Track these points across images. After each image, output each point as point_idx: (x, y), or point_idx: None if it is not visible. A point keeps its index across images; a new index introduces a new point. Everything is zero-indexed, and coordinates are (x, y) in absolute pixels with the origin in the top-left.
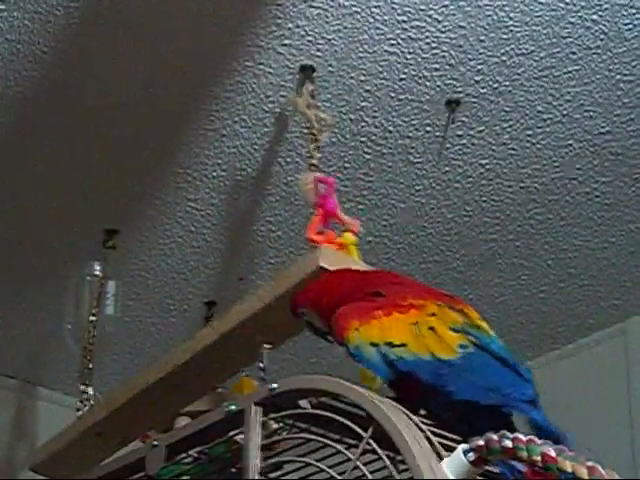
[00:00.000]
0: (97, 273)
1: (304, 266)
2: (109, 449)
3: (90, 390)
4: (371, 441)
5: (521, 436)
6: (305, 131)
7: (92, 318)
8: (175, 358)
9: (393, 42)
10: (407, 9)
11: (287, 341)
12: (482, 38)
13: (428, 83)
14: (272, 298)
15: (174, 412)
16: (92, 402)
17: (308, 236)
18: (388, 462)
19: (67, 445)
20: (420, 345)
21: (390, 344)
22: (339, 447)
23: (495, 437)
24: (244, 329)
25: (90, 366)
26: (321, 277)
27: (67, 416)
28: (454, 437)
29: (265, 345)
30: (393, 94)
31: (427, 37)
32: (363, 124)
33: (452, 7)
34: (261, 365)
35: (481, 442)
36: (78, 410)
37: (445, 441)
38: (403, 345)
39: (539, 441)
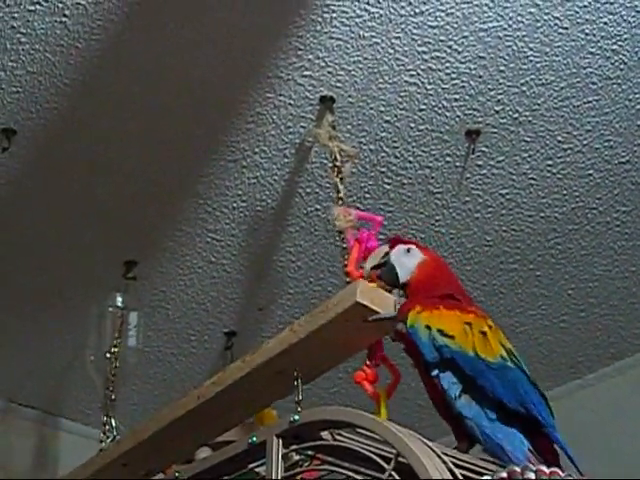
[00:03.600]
0: (119, 304)
1: (341, 302)
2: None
3: (113, 421)
4: (394, 473)
5: (544, 468)
6: (327, 163)
7: (114, 349)
8: (204, 391)
9: (413, 73)
10: (427, 40)
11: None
12: (502, 68)
13: (448, 113)
14: (307, 333)
15: (200, 445)
16: (115, 433)
17: (349, 270)
18: None
19: (92, 475)
20: (467, 341)
21: (441, 331)
22: (361, 479)
23: (518, 469)
24: (276, 363)
25: (113, 397)
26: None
27: (88, 447)
28: (476, 469)
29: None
30: (413, 124)
31: (447, 68)
32: (383, 154)
33: (472, 38)
34: (297, 398)
35: (504, 474)
36: (101, 442)
37: (467, 472)
38: (452, 337)
39: (562, 473)
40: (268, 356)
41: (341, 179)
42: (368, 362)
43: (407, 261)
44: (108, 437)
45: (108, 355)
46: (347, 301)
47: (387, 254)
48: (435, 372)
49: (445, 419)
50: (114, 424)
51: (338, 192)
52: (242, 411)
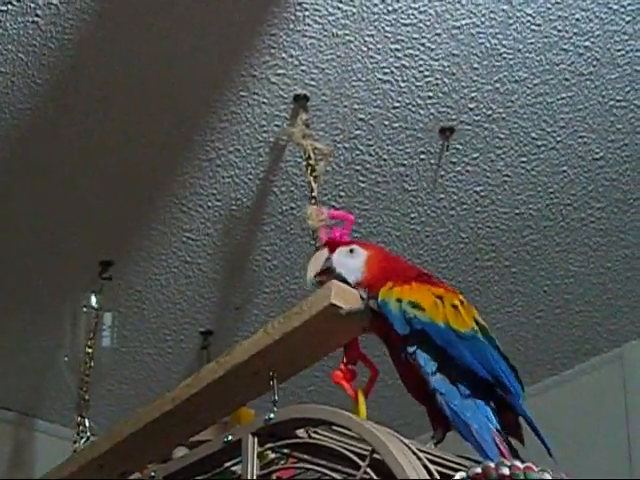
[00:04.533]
0: (93, 305)
1: (316, 303)
2: None
3: (86, 422)
4: (369, 470)
5: (518, 463)
6: (301, 161)
7: (88, 350)
8: (180, 393)
9: (386, 71)
10: (400, 37)
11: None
12: (475, 66)
13: (422, 111)
14: (281, 334)
15: (177, 445)
16: (88, 434)
17: None
18: None
19: (68, 476)
20: (438, 313)
21: (412, 303)
22: (336, 476)
23: (492, 465)
24: (251, 364)
25: (86, 397)
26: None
27: (64, 448)
28: (451, 465)
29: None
30: (387, 122)
31: (420, 65)
32: (357, 152)
33: (445, 35)
34: (273, 398)
35: (478, 470)
36: (75, 442)
37: (442, 469)
38: (422, 309)
39: (536, 468)
40: (242, 358)
41: (315, 177)
42: (345, 361)
43: (352, 262)
44: (82, 437)
45: (82, 355)
46: (321, 302)
47: (328, 259)
48: (412, 349)
49: (419, 400)
50: (87, 424)
51: (312, 191)
52: (217, 412)
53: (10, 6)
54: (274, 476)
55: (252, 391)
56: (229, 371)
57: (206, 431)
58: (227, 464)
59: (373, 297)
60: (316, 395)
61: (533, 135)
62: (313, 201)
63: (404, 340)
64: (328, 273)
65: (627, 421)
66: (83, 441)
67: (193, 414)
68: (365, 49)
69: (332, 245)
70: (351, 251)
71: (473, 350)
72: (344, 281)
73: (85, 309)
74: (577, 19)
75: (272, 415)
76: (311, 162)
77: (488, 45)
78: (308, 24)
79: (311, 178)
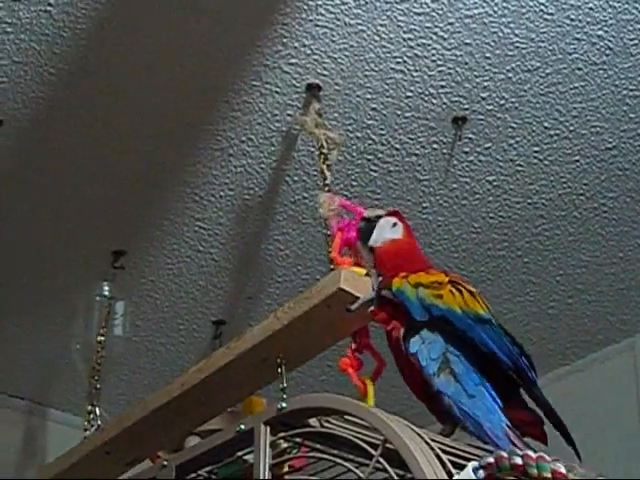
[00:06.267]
0: (106, 294)
1: (324, 288)
2: (118, 468)
3: (97, 410)
4: (381, 459)
5: (531, 453)
6: (314, 150)
7: (100, 338)
8: (189, 379)
9: (399, 60)
10: (413, 27)
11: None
12: (488, 55)
13: (434, 100)
14: (290, 319)
15: (186, 432)
16: (99, 422)
17: (333, 256)
18: None
19: (75, 463)
20: (454, 300)
21: (428, 290)
22: (349, 465)
23: (505, 454)
24: (261, 350)
25: (98, 386)
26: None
27: (76, 437)
28: (464, 455)
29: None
30: (399, 112)
31: (433, 55)
32: (370, 142)
33: (457, 25)
34: (281, 385)
35: (491, 460)
36: (85, 430)
37: (455, 458)
38: (439, 297)
39: (549, 458)
40: (252, 343)
41: (328, 166)
42: (353, 349)
43: (386, 231)
44: (92, 426)
45: (94, 344)
46: (330, 287)
47: (380, 217)
48: (415, 348)
49: (424, 401)
50: (98, 413)
51: (325, 179)
52: (227, 398)
53: None
54: (287, 465)
55: (262, 378)
56: (239, 357)
57: (217, 420)
58: (239, 453)
59: (386, 287)
60: (328, 385)
61: (546, 125)
62: (327, 189)
63: (414, 329)
64: (366, 224)
65: (639, 411)
66: (94, 429)
67: (202, 400)
68: (378, 38)
69: (394, 213)
70: (394, 225)
71: (491, 334)
72: (367, 238)
73: (98, 298)
74: (590, 8)
75: (284, 404)
76: (324, 151)
77: (501, 34)
78: (321, 13)
79: (324, 167)
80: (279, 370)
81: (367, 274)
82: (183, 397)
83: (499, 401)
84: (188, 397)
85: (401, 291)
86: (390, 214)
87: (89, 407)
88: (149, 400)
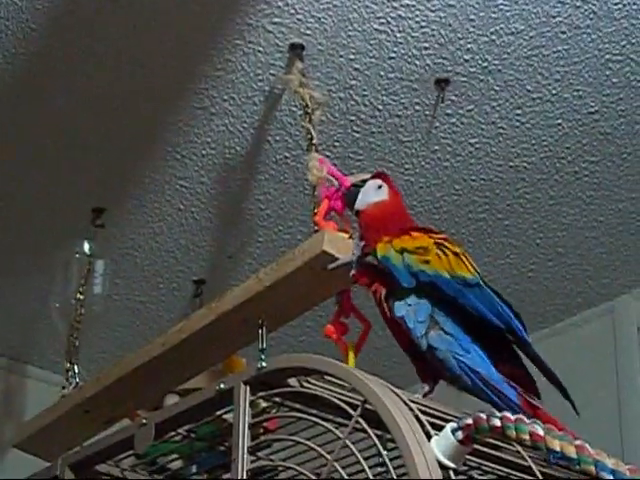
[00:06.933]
0: (86, 252)
1: (308, 250)
2: (96, 427)
3: (76, 368)
4: (360, 420)
5: (509, 415)
6: (296, 110)
7: (80, 296)
8: (169, 339)
9: (383, 21)
10: None
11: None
12: (472, 17)
13: (417, 62)
14: (273, 281)
15: (165, 391)
16: (77, 380)
17: (317, 220)
18: (377, 441)
19: (53, 422)
20: (441, 264)
21: (414, 255)
22: (328, 426)
23: (483, 416)
24: (242, 311)
25: (76, 344)
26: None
27: (55, 394)
28: (442, 416)
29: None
30: (382, 73)
31: (417, 16)
32: (352, 103)
33: None
34: (261, 346)
35: (469, 421)
36: (63, 388)
37: (434, 420)
38: (426, 262)
39: (527, 420)
40: (233, 304)
41: (313, 125)
42: (337, 314)
43: (370, 195)
44: (71, 384)
45: (73, 302)
46: (313, 249)
47: (365, 181)
48: (401, 313)
49: (409, 355)
50: (77, 371)
51: (311, 139)
52: (207, 358)
53: None
54: (260, 427)
55: (242, 338)
56: (219, 317)
57: (198, 379)
58: (219, 412)
59: (369, 253)
60: (308, 345)
61: (528, 88)
62: (313, 148)
63: (399, 293)
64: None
65: (617, 374)
66: (72, 387)
67: (182, 360)
68: None
69: (379, 175)
70: (380, 187)
71: (481, 297)
72: (353, 202)
73: (77, 256)
74: None
75: (264, 364)
76: (308, 110)
77: None
78: None
79: (310, 126)
80: (260, 331)
81: (350, 237)
82: (163, 357)
83: (491, 361)
84: (168, 357)
85: (386, 257)
86: (375, 176)
87: (67, 365)
88: (128, 359)
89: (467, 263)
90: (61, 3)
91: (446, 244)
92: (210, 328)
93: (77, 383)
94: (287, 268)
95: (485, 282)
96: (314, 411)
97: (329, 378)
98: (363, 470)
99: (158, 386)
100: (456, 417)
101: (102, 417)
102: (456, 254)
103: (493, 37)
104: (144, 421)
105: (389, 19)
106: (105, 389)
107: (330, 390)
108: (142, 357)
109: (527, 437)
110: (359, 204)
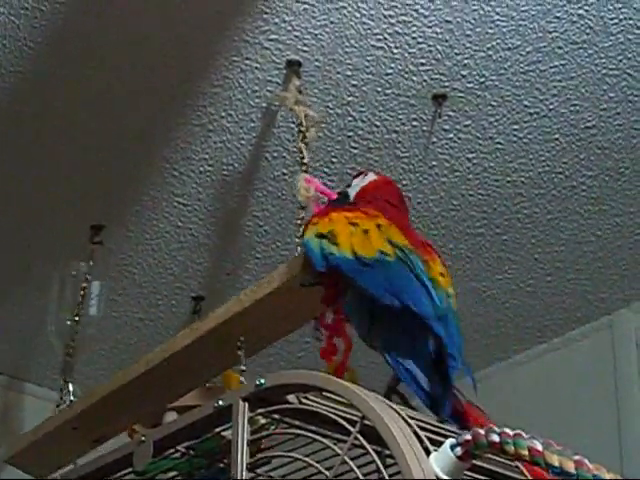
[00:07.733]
0: (83, 270)
1: (288, 270)
2: (86, 444)
3: (70, 386)
4: (359, 436)
5: (508, 430)
6: (294, 127)
7: (75, 318)
8: (153, 357)
9: (380, 37)
10: (393, 4)
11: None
12: (468, 33)
13: (415, 78)
14: (252, 301)
15: (153, 410)
16: (72, 397)
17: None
18: (376, 457)
19: (42, 438)
20: (347, 244)
21: (328, 239)
22: (326, 442)
23: (482, 432)
24: (222, 332)
25: (72, 363)
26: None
27: (53, 411)
28: (441, 432)
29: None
30: (380, 89)
31: (413, 32)
32: (350, 119)
33: (438, 2)
34: (242, 368)
35: (468, 437)
36: (58, 406)
37: (433, 435)
38: (337, 244)
39: (526, 435)
40: (213, 324)
41: (306, 144)
42: (327, 336)
43: (357, 182)
44: (65, 402)
45: (69, 322)
46: (292, 271)
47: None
48: (347, 309)
49: None
50: (71, 389)
51: (302, 158)
52: (191, 378)
53: None
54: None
55: (224, 359)
56: (200, 337)
57: (195, 396)
58: (218, 429)
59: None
60: (306, 362)
61: (525, 103)
62: (304, 167)
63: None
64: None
65: (616, 389)
66: (66, 405)
67: (166, 379)
68: (358, 15)
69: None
70: (365, 175)
71: (377, 275)
72: (346, 196)
73: (74, 273)
74: None
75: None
76: (302, 129)
77: (481, 12)
78: None
79: (302, 145)
80: (239, 353)
81: None
82: (148, 375)
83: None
84: (152, 375)
85: (307, 241)
86: (358, 175)
87: (62, 382)
88: (115, 378)
89: (374, 240)
90: (58, 23)
91: (360, 222)
92: (192, 348)
93: (71, 401)
94: (267, 289)
95: (402, 258)
96: (313, 427)
97: (328, 394)
98: None
99: (146, 404)
100: (455, 433)
101: (90, 435)
102: (365, 231)
103: (490, 53)
104: (143, 438)
105: (386, 35)
106: (92, 407)
107: (329, 406)
108: (128, 376)
109: (526, 452)
110: (351, 194)
